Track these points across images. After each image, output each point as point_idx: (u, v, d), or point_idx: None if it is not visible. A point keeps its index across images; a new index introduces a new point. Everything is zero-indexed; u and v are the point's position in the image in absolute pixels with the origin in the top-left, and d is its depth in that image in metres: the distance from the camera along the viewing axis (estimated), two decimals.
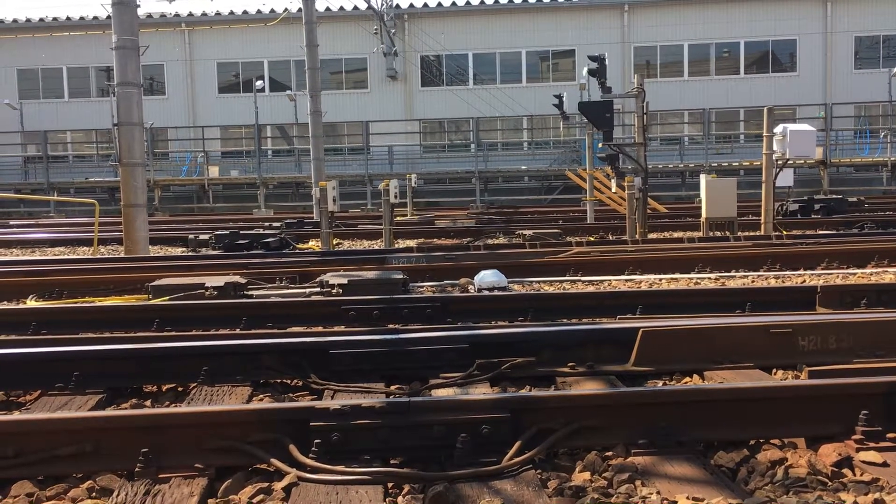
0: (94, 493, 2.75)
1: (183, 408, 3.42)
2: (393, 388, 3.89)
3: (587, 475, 2.76)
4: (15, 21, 31.93)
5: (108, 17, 11.04)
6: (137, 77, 10.98)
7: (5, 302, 7.37)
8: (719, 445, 2.99)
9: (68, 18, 31.59)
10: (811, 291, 5.76)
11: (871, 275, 7.89)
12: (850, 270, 8.17)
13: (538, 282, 7.86)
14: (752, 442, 3.02)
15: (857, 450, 2.85)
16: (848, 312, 5.13)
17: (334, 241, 13.06)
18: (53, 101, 32.35)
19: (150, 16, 30.09)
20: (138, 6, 11.06)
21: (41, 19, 31.72)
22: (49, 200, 26.23)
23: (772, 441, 3.02)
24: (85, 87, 32.40)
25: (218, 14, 31.19)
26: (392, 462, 2.87)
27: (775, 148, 12.45)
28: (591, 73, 13.46)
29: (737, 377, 3.87)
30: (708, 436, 3.01)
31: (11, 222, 21.54)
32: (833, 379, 3.24)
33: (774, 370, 4.06)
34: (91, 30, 30.63)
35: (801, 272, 8.10)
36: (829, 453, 2.85)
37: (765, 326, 4.12)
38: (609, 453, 2.91)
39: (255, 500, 2.63)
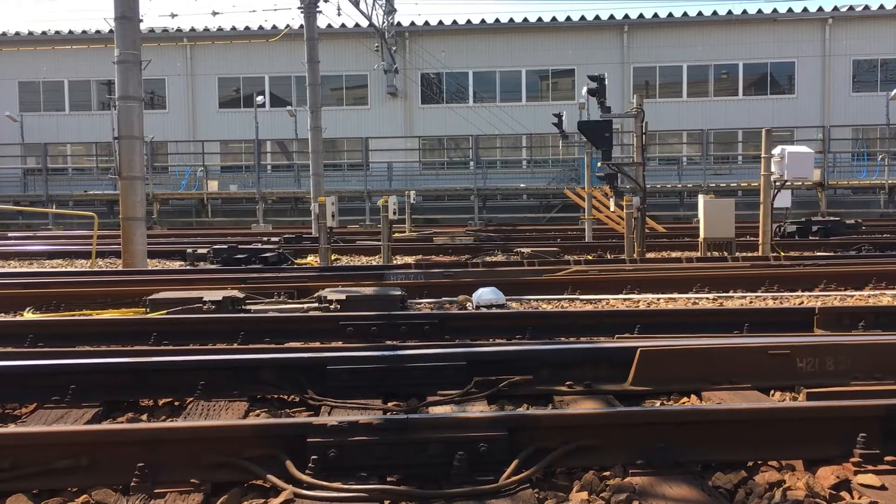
0: None
1: (179, 422, 3.41)
2: (390, 404, 3.88)
3: (585, 495, 2.75)
4: (17, 34, 32.07)
5: (111, 31, 11.09)
6: (139, 91, 11.02)
7: (2, 314, 7.36)
8: (717, 467, 2.98)
9: (70, 32, 31.75)
10: (809, 313, 5.76)
11: (869, 297, 7.90)
12: (848, 292, 8.18)
13: (536, 300, 7.86)
14: (749, 463, 3.02)
15: (856, 472, 2.85)
16: (846, 334, 5.13)
17: (333, 257, 13.06)
18: (54, 113, 32.46)
19: (152, 30, 30.24)
20: (141, 21, 11.13)
21: (43, 32, 31.87)
22: (48, 213, 26.23)
23: (770, 463, 3.01)
24: (86, 101, 32.51)
25: (220, 29, 31.34)
26: (389, 479, 2.87)
27: (773, 169, 12.50)
28: (590, 92, 13.51)
29: (734, 398, 3.87)
30: (705, 457, 3.00)
31: (10, 234, 21.52)
32: (831, 401, 3.23)
33: (772, 391, 4.06)
34: (93, 43, 30.77)
35: (799, 293, 8.11)
36: (827, 476, 2.85)
37: (763, 348, 4.12)
38: (607, 473, 2.91)
39: None
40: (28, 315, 7.17)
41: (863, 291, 8.25)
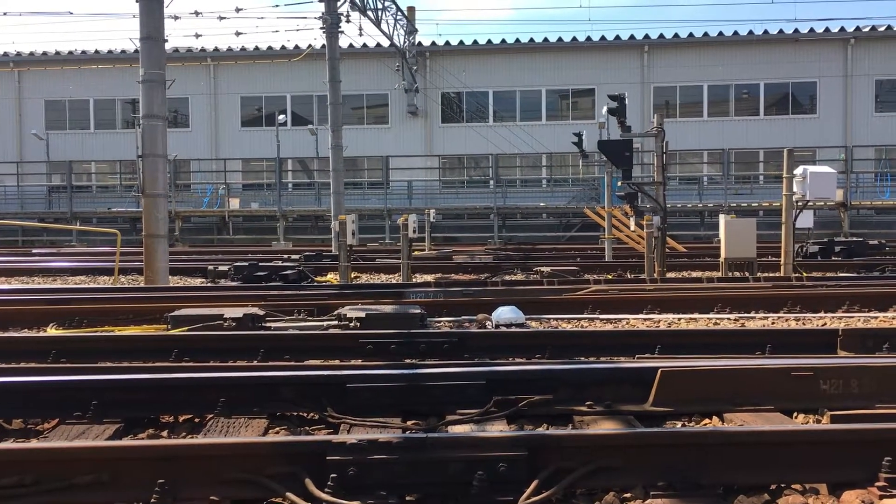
0: None
1: (199, 439, 3.43)
2: (410, 423, 3.87)
3: None
4: (44, 53, 32.63)
5: (136, 51, 11.25)
6: (163, 110, 11.14)
7: (26, 330, 7.44)
8: (739, 489, 2.95)
9: (96, 52, 32.25)
10: (832, 334, 5.70)
11: (894, 318, 7.79)
12: (872, 314, 8.08)
13: (556, 319, 7.83)
14: (773, 486, 2.98)
15: (881, 497, 2.81)
16: (870, 356, 5.07)
17: (352, 275, 13.09)
18: (79, 132, 32.93)
19: (176, 50, 30.63)
20: (166, 41, 11.27)
21: (70, 52, 32.39)
22: (71, 229, 26.54)
23: (793, 486, 2.98)
24: (110, 119, 32.98)
25: (243, 49, 31.68)
26: (408, 498, 2.86)
27: (795, 189, 12.40)
28: (610, 111, 13.52)
29: (757, 420, 3.82)
30: (728, 479, 2.97)
31: (34, 250, 21.78)
32: (855, 424, 3.20)
33: (795, 414, 4.01)
34: (118, 63, 31.22)
35: (822, 315, 8.02)
36: (851, 500, 2.80)
37: (786, 369, 4.08)
38: (627, 494, 2.88)
39: None
40: (51, 331, 7.24)
41: (887, 313, 8.14)
